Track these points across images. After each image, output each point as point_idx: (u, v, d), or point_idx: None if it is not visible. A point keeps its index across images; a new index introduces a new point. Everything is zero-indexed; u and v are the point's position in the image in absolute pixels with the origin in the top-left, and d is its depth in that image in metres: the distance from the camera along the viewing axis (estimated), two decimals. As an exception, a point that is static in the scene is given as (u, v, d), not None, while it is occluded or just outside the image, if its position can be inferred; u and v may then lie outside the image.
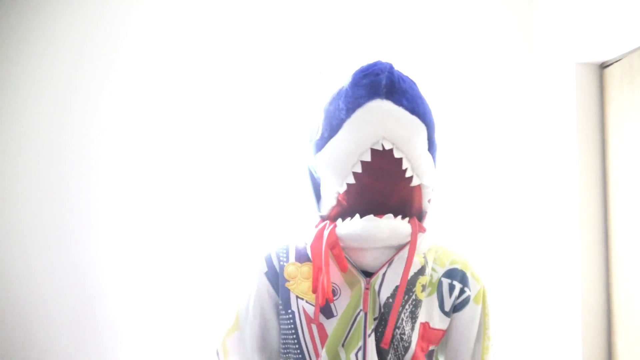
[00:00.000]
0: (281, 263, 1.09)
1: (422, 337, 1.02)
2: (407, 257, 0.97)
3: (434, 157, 1.03)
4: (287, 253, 1.10)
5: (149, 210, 1.98)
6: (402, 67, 2.07)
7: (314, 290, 0.98)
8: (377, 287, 1.00)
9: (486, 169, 2.06)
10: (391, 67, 0.93)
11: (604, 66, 1.86)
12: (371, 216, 0.97)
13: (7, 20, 1.92)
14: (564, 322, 1.87)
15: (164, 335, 1.95)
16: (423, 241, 1.03)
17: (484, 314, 1.08)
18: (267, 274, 1.09)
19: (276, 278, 1.08)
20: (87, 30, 1.96)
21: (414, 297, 1.01)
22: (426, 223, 1.04)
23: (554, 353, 1.91)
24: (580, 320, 1.80)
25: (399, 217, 0.98)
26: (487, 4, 2.11)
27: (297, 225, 1.16)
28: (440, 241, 1.13)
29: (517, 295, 2.02)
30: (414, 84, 0.97)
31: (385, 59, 0.97)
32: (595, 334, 1.81)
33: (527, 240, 2.03)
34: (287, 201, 2.02)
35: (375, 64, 0.94)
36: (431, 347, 1.05)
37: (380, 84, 0.91)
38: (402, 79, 0.94)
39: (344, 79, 0.98)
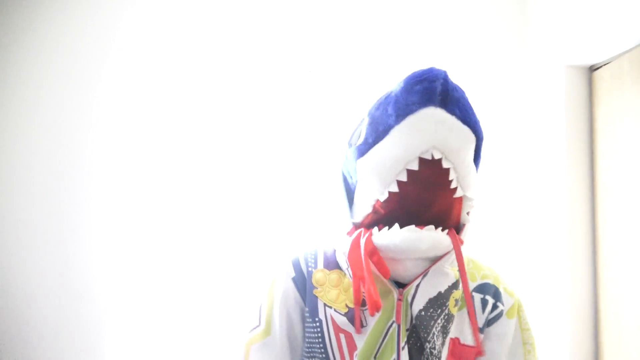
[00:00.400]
0: (309, 269, 1.05)
1: (452, 353, 0.99)
2: (460, 270, 0.96)
3: (477, 169, 1.01)
4: (316, 259, 1.06)
5: (141, 208, 1.92)
6: (393, 67, 2.08)
7: (356, 302, 0.95)
8: (409, 299, 0.97)
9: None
10: (446, 74, 0.89)
11: (593, 69, 1.86)
12: (412, 227, 0.92)
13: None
14: (552, 325, 1.87)
15: (152, 336, 1.92)
16: (462, 251, 1.00)
17: (521, 329, 1.06)
18: (294, 278, 1.04)
19: (304, 284, 1.03)
20: (77, 27, 1.93)
21: (446, 311, 0.98)
22: (464, 235, 1.01)
23: (542, 353, 1.90)
24: (568, 325, 1.81)
25: (439, 229, 0.94)
26: (479, 6, 2.10)
27: (325, 230, 1.13)
28: (471, 254, 1.10)
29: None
30: (465, 93, 0.93)
31: (439, 65, 0.93)
32: (583, 336, 1.81)
33: (515, 243, 2.03)
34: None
35: (430, 70, 0.89)
36: None
37: (435, 91, 0.87)
38: (456, 88, 0.90)
39: (393, 85, 0.94)
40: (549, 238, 1.90)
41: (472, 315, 0.99)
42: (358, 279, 0.95)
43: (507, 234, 2.03)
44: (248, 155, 2.02)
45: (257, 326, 1.04)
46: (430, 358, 0.96)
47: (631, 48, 1.67)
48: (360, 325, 0.96)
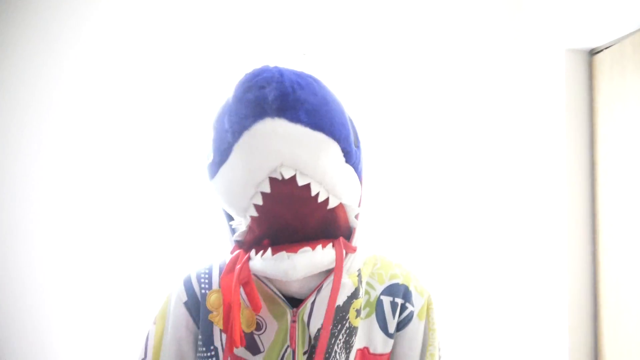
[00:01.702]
0: (203, 290, 0.92)
1: None
2: (331, 291, 0.82)
3: (356, 168, 0.84)
4: (210, 277, 0.94)
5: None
6: (387, 50, 2.03)
7: (225, 330, 0.83)
8: (305, 318, 0.87)
9: (472, 156, 2.02)
10: (280, 72, 0.72)
11: (593, 52, 1.82)
12: (283, 253, 0.80)
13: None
14: (551, 315, 1.85)
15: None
16: (355, 260, 0.89)
17: (428, 329, 0.95)
18: (186, 303, 0.92)
19: (197, 308, 0.92)
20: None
21: (347, 324, 0.88)
22: (355, 241, 0.89)
23: (541, 350, 1.90)
24: (567, 314, 1.78)
25: (319, 245, 0.82)
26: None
27: (220, 242, 0.98)
28: (380, 251, 1.00)
29: (501, 289, 2.00)
30: (317, 83, 0.75)
31: (273, 62, 0.76)
32: (582, 327, 1.79)
33: (514, 228, 2.00)
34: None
35: (260, 72, 0.72)
36: None
37: (266, 99, 0.70)
38: (299, 84, 0.72)
39: (230, 87, 0.76)
40: (548, 224, 1.87)
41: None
42: (227, 305, 0.82)
43: (505, 219, 2.01)
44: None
45: (143, 358, 0.93)
46: None
47: (634, 31, 1.62)
48: (227, 357, 0.84)
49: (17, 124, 1.82)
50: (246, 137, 0.73)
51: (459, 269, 2.01)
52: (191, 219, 1.93)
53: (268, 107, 0.71)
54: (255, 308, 0.84)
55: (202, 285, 0.94)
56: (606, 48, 1.75)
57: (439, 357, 0.96)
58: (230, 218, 0.92)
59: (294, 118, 0.72)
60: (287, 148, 0.73)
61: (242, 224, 0.87)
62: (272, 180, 0.76)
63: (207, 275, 0.95)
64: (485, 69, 2.02)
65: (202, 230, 1.91)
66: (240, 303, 0.82)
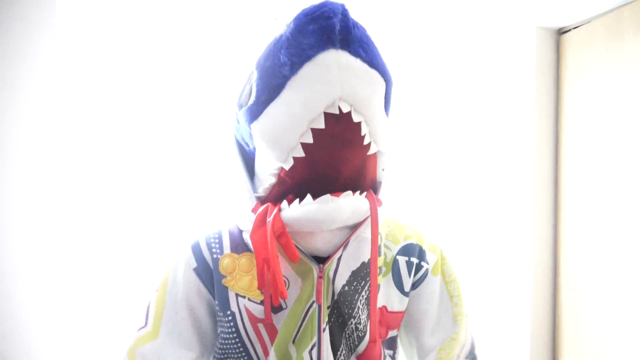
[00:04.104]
0: (214, 255, 0.90)
1: (380, 322, 0.91)
2: (372, 239, 0.83)
3: (387, 118, 0.87)
4: (221, 241, 0.92)
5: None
6: (363, 14, 1.99)
7: (260, 287, 0.82)
8: (331, 274, 0.87)
9: (438, 134, 2.04)
10: (344, 8, 0.73)
11: (561, 32, 1.88)
12: (327, 196, 0.80)
13: None
14: (513, 309, 1.93)
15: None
16: (380, 214, 0.90)
17: (444, 282, 0.97)
18: (196, 269, 0.90)
19: (209, 274, 0.89)
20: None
21: (370, 281, 0.88)
22: (381, 195, 0.90)
23: (502, 346, 1.96)
24: (529, 305, 1.85)
25: (357, 193, 0.83)
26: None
27: (230, 205, 0.95)
28: (392, 213, 1.00)
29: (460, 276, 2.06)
30: (367, 31, 0.78)
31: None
32: (542, 320, 1.86)
33: (477, 200, 2.07)
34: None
35: (324, 4, 0.73)
36: (391, 333, 0.94)
37: (333, 29, 0.71)
38: (357, 25, 0.75)
39: (283, 26, 0.77)
40: (512, 200, 1.93)
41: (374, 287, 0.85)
42: (262, 261, 0.81)
43: (469, 191, 2.06)
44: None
45: (143, 327, 0.90)
46: (354, 334, 0.88)
47: (605, 12, 1.68)
48: (270, 314, 0.84)
49: (7, 121, 1.69)
50: (307, 67, 0.73)
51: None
52: (178, 215, 1.83)
53: (334, 38, 0.72)
54: (294, 257, 0.84)
55: (213, 250, 0.91)
56: (574, 28, 1.81)
57: (465, 312, 0.99)
58: (251, 175, 0.89)
59: (355, 52, 0.74)
60: (348, 81, 0.74)
61: (269, 178, 0.84)
62: (327, 116, 0.75)
63: (217, 240, 0.92)
64: (454, 44, 2.04)
65: (188, 224, 1.83)
66: (277, 255, 0.81)
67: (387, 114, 0.86)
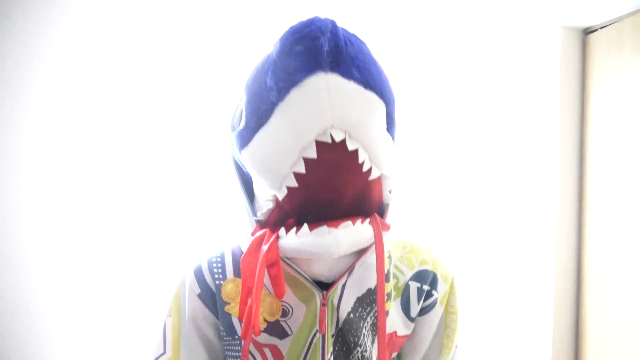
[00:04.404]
0: (217, 282, 0.87)
1: (387, 346, 0.88)
2: (378, 268, 0.77)
3: (393, 138, 0.79)
4: (223, 265, 0.88)
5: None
6: (372, 16, 1.95)
7: (240, 317, 0.78)
8: (335, 302, 0.82)
9: (461, 136, 2.01)
10: (334, 24, 0.67)
11: (587, 32, 1.83)
12: (324, 228, 0.74)
13: None
14: (535, 310, 1.87)
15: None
16: (386, 240, 0.84)
17: (446, 312, 0.93)
18: (200, 295, 0.87)
19: (213, 300, 0.86)
20: None
21: (376, 308, 0.83)
22: (389, 218, 0.84)
23: (524, 348, 1.91)
24: (552, 305, 1.80)
25: (358, 220, 0.77)
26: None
27: (233, 225, 0.91)
28: (405, 235, 0.96)
29: (481, 279, 2.02)
30: (364, 44, 0.71)
31: (325, 14, 0.71)
32: (565, 323, 1.81)
33: (501, 204, 2.02)
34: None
35: (311, 22, 0.66)
36: (393, 355, 0.92)
37: (321, 50, 0.64)
38: (349, 40, 0.67)
39: (271, 45, 0.70)
40: (536, 202, 1.88)
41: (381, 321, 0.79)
42: (246, 289, 0.77)
43: (492, 194, 2.02)
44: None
45: (162, 354, 0.87)
46: None
47: (633, 11, 1.63)
48: (247, 353, 0.80)
49: (14, 121, 1.68)
50: (295, 93, 0.67)
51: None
52: (187, 216, 1.82)
53: (322, 60, 0.65)
54: (279, 294, 0.78)
55: (216, 276, 0.87)
56: (601, 28, 1.76)
57: (455, 345, 0.94)
58: (250, 198, 0.85)
59: (348, 73, 0.66)
60: (339, 106, 0.67)
61: (266, 203, 0.79)
62: (319, 145, 0.69)
63: (220, 263, 0.89)
64: (478, 46, 1.99)
65: (199, 228, 1.81)
66: (262, 286, 0.77)
67: (392, 135, 0.79)
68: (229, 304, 0.85)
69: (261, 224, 0.82)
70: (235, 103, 0.81)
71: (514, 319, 1.96)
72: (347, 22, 0.75)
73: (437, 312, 0.92)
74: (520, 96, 1.96)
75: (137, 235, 1.79)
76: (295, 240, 0.76)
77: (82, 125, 1.75)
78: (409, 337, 0.93)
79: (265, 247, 0.77)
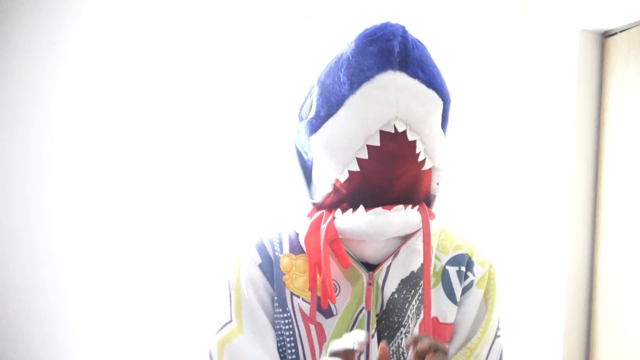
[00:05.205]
0: (275, 253, 0.95)
1: (434, 335, 0.90)
2: (425, 251, 0.87)
3: (445, 134, 0.90)
4: (281, 242, 0.96)
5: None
6: (397, 14, 1.93)
7: (310, 289, 0.87)
8: (380, 282, 0.89)
9: (478, 139, 1.99)
10: (404, 30, 0.77)
11: (606, 35, 1.81)
12: (379, 209, 0.84)
13: None
14: (547, 309, 1.86)
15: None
16: (432, 227, 0.91)
17: (484, 298, 0.96)
18: (261, 265, 0.94)
19: (271, 270, 0.93)
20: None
21: (420, 291, 0.90)
22: (435, 208, 0.93)
23: (535, 352, 1.91)
24: (563, 305, 1.79)
25: (409, 206, 0.86)
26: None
27: (288, 210, 1.01)
28: (444, 224, 1.01)
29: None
30: (427, 49, 0.81)
31: (395, 19, 0.80)
32: (577, 323, 1.80)
33: (517, 208, 2.00)
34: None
35: (384, 26, 0.76)
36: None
37: (392, 51, 0.75)
38: (417, 45, 0.78)
39: (344, 45, 0.81)
40: (551, 207, 1.87)
41: (427, 297, 0.87)
42: (314, 265, 0.86)
43: (508, 196, 2.00)
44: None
45: (229, 322, 0.92)
46: (403, 343, 0.89)
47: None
48: (315, 313, 0.88)
49: (24, 123, 1.68)
50: (366, 88, 0.77)
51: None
52: (204, 218, 1.82)
53: (393, 60, 0.75)
54: (345, 264, 0.87)
55: (275, 248, 0.95)
56: (621, 31, 1.74)
57: (497, 329, 0.96)
58: (308, 181, 0.94)
59: (414, 74, 0.77)
60: (404, 101, 0.77)
61: (325, 187, 0.89)
62: (383, 134, 0.79)
63: (278, 240, 0.96)
64: (496, 48, 1.98)
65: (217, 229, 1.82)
66: (329, 260, 0.85)
67: (444, 131, 0.89)
68: (285, 275, 0.92)
69: (317, 207, 0.92)
70: (303, 95, 0.91)
71: (525, 323, 1.95)
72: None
73: (474, 295, 0.95)
74: (537, 100, 1.95)
75: (151, 230, 1.79)
76: (351, 220, 0.85)
77: (103, 122, 1.73)
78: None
79: (324, 226, 0.86)
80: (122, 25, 1.75)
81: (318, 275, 0.86)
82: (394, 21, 0.78)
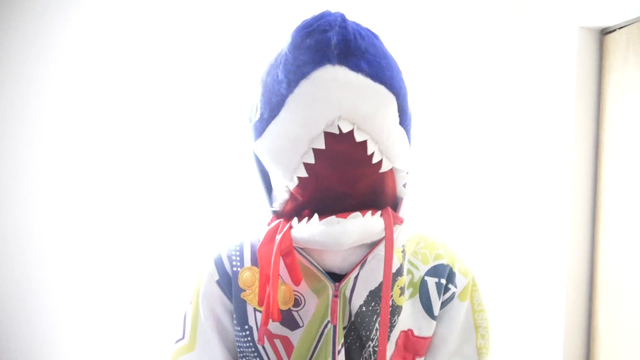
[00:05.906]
0: (234, 269, 0.88)
1: (404, 347, 0.86)
2: (385, 261, 0.77)
3: (408, 132, 0.79)
4: (242, 254, 0.89)
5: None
6: (400, 7, 1.93)
7: (260, 304, 0.80)
8: (347, 293, 0.82)
9: (476, 136, 1.98)
10: (343, 17, 0.67)
11: (605, 32, 1.79)
12: (333, 218, 0.75)
13: None
14: (547, 308, 1.85)
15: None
16: (400, 234, 0.84)
17: (473, 311, 0.91)
18: (219, 282, 0.88)
19: (229, 286, 0.88)
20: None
21: (390, 302, 0.82)
22: (402, 212, 0.84)
23: (535, 353, 1.89)
24: (563, 304, 1.78)
25: (369, 212, 0.78)
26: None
27: (252, 217, 0.95)
28: (421, 229, 0.95)
29: (493, 277, 1.99)
30: (376, 37, 0.71)
31: (335, 7, 0.71)
32: (577, 321, 1.79)
33: (516, 204, 1.99)
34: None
35: (321, 16, 0.67)
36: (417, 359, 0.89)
37: (329, 43, 0.66)
38: (359, 33, 0.68)
39: (284, 39, 0.72)
40: (550, 205, 1.85)
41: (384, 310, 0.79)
42: (264, 278, 0.79)
43: (507, 194, 1.99)
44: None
45: (181, 339, 0.90)
46: (372, 357, 0.83)
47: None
48: (263, 335, 0.81)
49: (20, 122, 1.67)
50: (303, 86, 0.68)
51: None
52: (195, 216, 1.80)
53: (330, 53, 0.66)
54: (296, 280, 0.80)
55: (234, 263, 0.89)
56: (619, 28, 1.72)
57: (485, 338, 0.91)
58: (268, 189, 0.87)
59: (356, 67, 0.67)
60: (347, 99, 0.68)
61: (282, 194, 0.82)
62: (327, 135, 0.71)
63: (238, 253, 0.90)
64: (496, 46, 1.96)
65: (206, 228, 1.80)
66: (279, 275, 0.79)
67: (407, 129, 0.79)
68: (245, 290, 0.87)
69: (277, 215, 0.85)
70: (251, 96, 0.82)
71: (525, 322, 1.93)
72: (359, 17, 0.74)
73: (457, 308, 0.90)
74: (536, 97, 1.93)
75: (145, 232, 1.78)
76: (305, 229, 0.77)
77: (96, 123, 1.73)
78: (432, 338, 0.90)
79: (279, 237, 0.79)
80: (118, 25, 1.75)
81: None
82: (336, 10, 0.69)
